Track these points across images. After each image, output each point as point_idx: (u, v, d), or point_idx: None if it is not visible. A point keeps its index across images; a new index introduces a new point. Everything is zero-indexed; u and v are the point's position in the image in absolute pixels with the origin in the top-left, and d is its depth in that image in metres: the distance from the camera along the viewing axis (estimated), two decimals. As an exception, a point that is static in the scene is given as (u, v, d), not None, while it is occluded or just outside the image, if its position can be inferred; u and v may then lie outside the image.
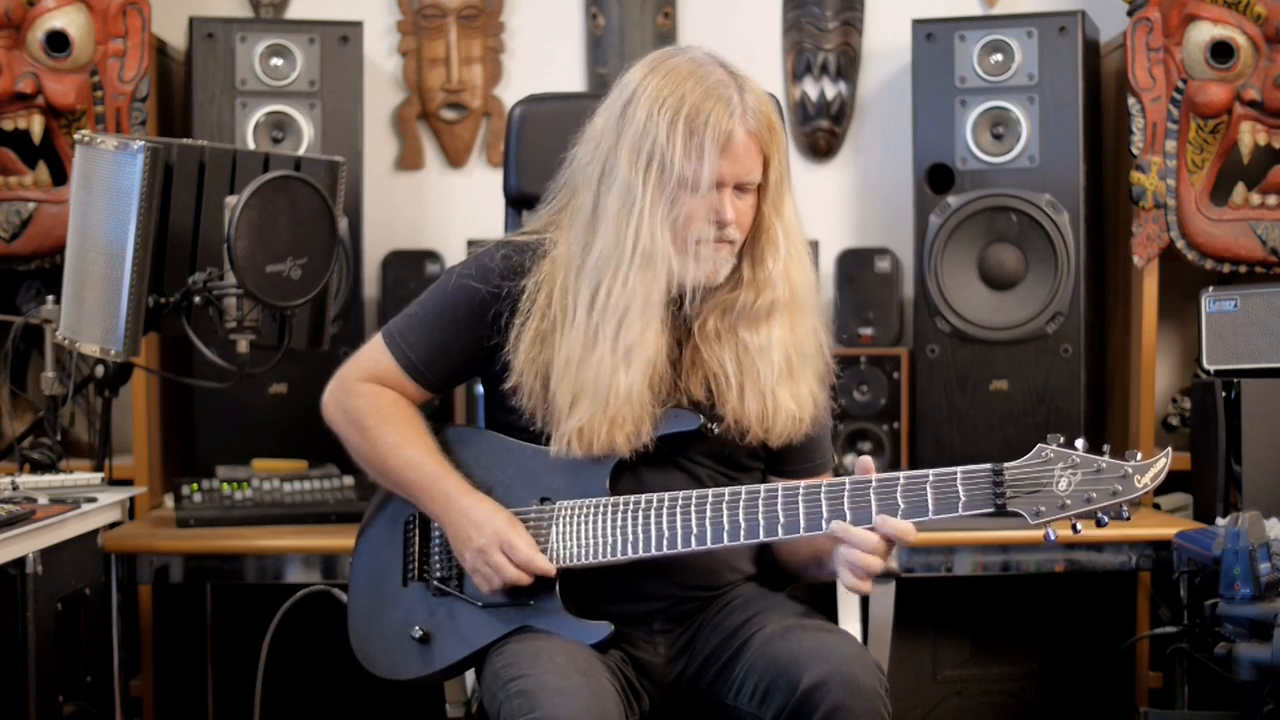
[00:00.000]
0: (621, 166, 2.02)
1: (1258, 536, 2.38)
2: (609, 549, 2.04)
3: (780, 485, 2.02)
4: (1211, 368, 3.07)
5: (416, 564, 2.17)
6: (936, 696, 3.37)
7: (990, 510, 1.93)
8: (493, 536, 2.04)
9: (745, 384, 2.07)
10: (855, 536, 1.93)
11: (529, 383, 2.08)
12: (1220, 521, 2.78)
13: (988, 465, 1.93)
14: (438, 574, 2.14)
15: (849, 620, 2.33)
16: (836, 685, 1.88)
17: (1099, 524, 1.91)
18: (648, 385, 2.04)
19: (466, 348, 2.14)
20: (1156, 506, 3.29)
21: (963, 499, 1.93)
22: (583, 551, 2.05)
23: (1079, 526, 1.92)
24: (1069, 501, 1.90)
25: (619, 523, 2.04)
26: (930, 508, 1.93)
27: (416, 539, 2.18)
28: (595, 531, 2.05)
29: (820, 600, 2.34)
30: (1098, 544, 2.97)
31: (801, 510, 1.98)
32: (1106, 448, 1.93)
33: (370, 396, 2.18)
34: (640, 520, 2.03)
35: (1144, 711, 2.86)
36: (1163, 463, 1.90)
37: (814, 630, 2.02)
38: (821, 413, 2.14)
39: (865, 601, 2.32)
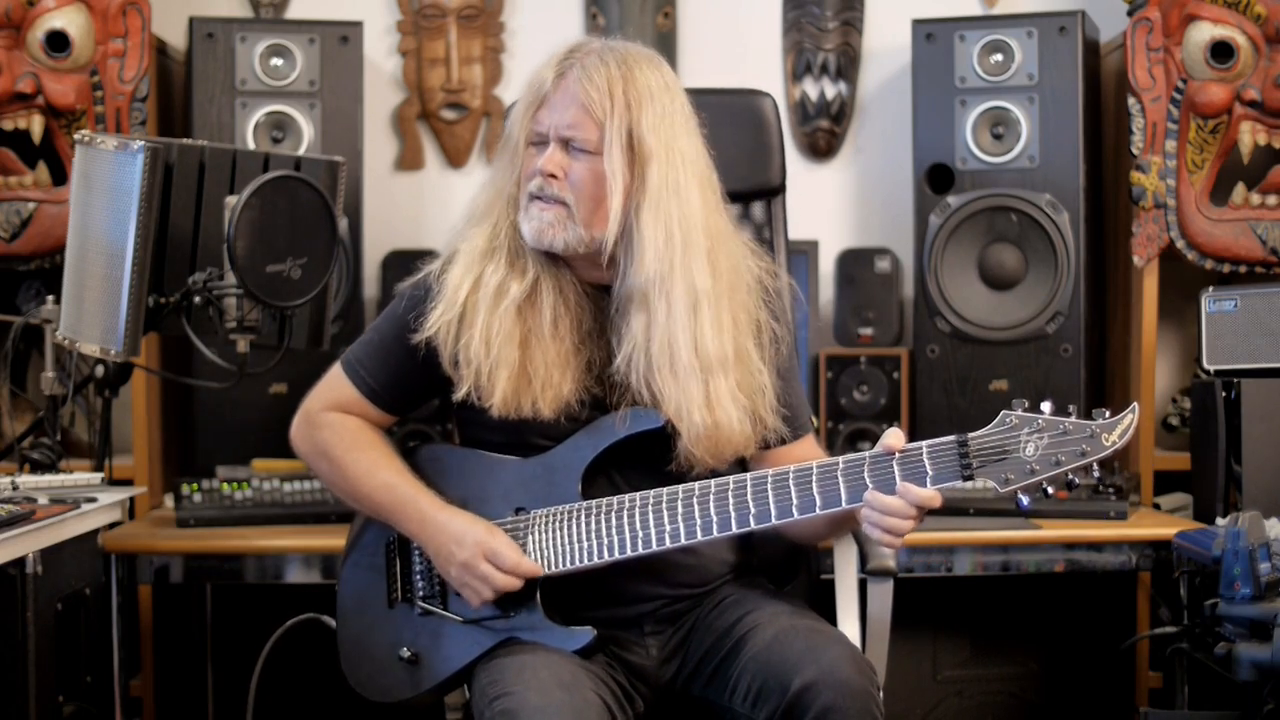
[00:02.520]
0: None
1: (1258, 536, 2.38)
2: (587, 553, 2.04)
3: (749, 476, 2.02)
4: (1211, 368, 3.07)
5: (400, 586, 2.17)
6: (936, 696, 3.37)
7: (959, 481, 1.93)
8: (475, 547, 2.05)
9: (634, 375, 2.06)
10: (883, 504, 1.93)
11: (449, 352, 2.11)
12: (1220, 521, 2.78)
13: (952, 437, 1.93)
14: (421, 593, 2.15)
15: (848, 620, 2.33)
16: (827, 686, 1.89)
17: (1070, 486, 1.91)
18: (573, 358, 2.06)
19: (422, 368, 2.15)
20: (1156, 506, 3.29)
21: (930, 473, 1.93)
22: (561, 557, 2.05)
23: (1049, 490, 1.91)
24: (1037, 466, 1.90)
25: (594, 526, 2.04)
26: (898, 486, 1.94)
27: (398, 561, 2.19)
28: (572, 537, 2.05)
29: (820, 599, 2.34)
30: (1098, 544, 2.97)
31: (771, 499, 1.99)
32: (1072, 408, 1.92)
33: (335, 426, 2.20)
34: (615, 522, 2.04)
35: (1144, 711, 2.86)
36: (1130, 418, 1.89)
37: (805, 631, 2.02)
38: (776, 405, 2.12)
39: (864, 601, 2.32)
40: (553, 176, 2.02)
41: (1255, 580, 2.34)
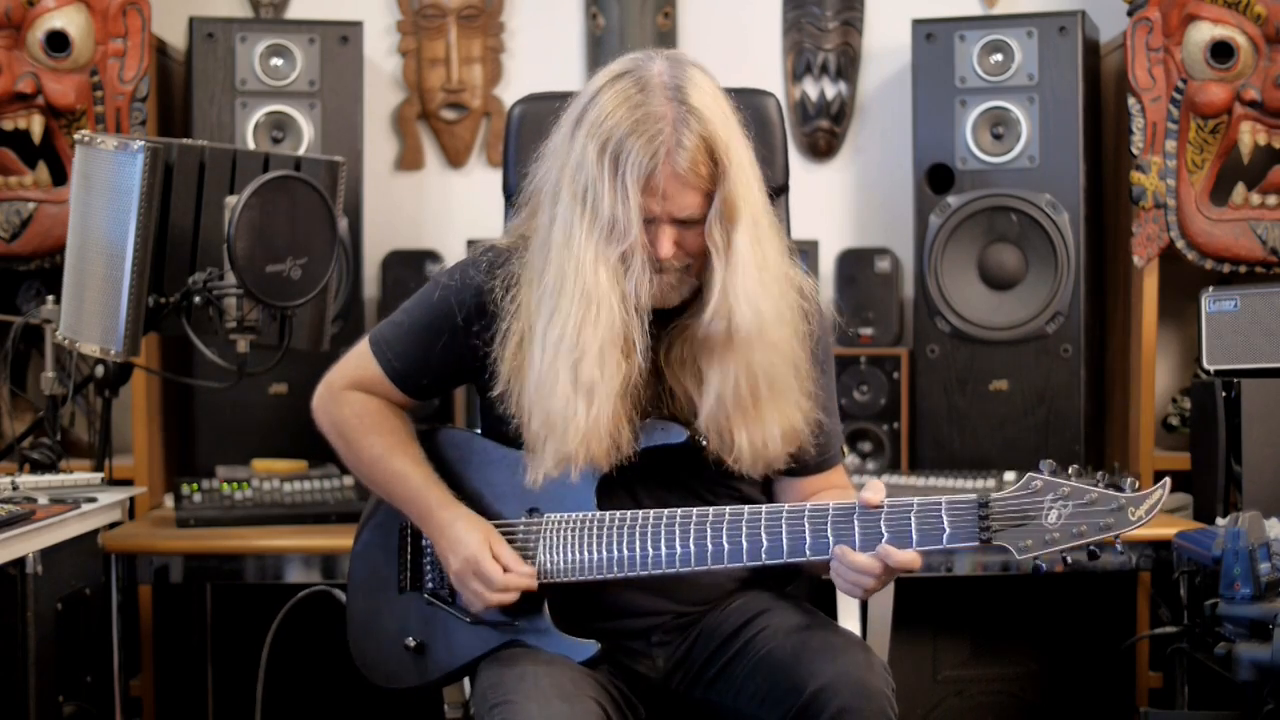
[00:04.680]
0: (564, 196, 2.00)
1: (1258, 536, 2.38)
2: (595, 567, 2.02)
3: (764, 508, 1.99)
4: (1211, 368, 3.07)
5: (410, 574, 2.18)
6: (936, 696, 3.37)
7: (975, 545, 1.87)
8: (465, 563, 2.04)
9: (707, 417, 2.03)
10: (853, 562, 1.91)
11: (515, 389, 2.06)
12: (1220, 521, 2.78)
13: (974, 497, 1.88)
14: (429, 586, 2.15)
15: (849, 620, 2.33)
16: (843, 688, 1.87)
17: (1091, 557, 1.84)
18: (625, 398, 2.01)
19: (451, 357, 2.13)
20: (1156, 506, 3.29)
21: (947, 531, 1.88)
22: (570, 569, 2.04)
23: (1069, 560, 1.86)
24: (1057, 535, 1.84)
25: (605, 540, 2.02)
26: (914, 539, 1.90)
27: (410, 548, 2.19)
28: (582, 548, 2.03)
29: (820, 599, 2.34)
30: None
31: (785, 535, 1.96)
32: (1101, 475, 1.87)
33: (356, 405, 2.18)
34: (626, 538, 2.02)
35: (1144, 711, 2.86)
36: (1159, 494, 1.81)
37: (818, 630, 2.01)
38: (807, 433, 2.08)
39: (864, 602, 2.32)
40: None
41: (1255, 580, 2.34)
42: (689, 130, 1.94)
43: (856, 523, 1.93)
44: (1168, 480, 1.84)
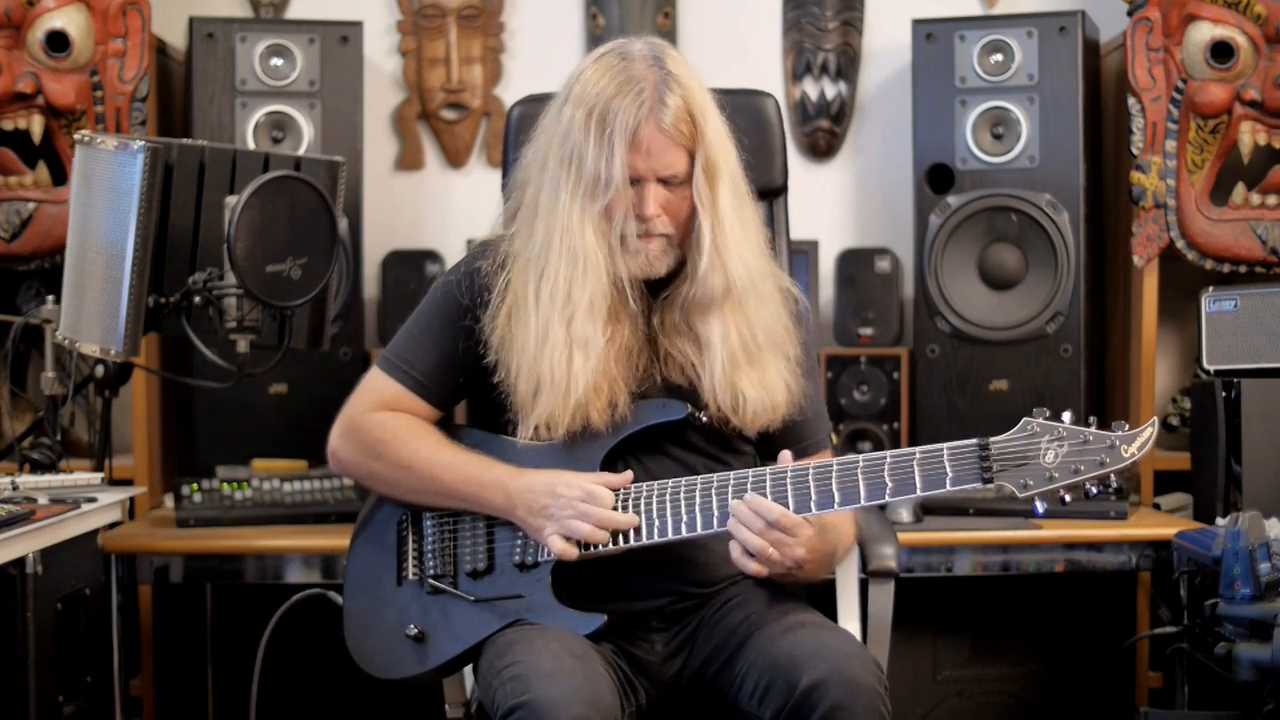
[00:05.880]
0: (551, 164, 2.10)
1: (1258, 536, 2.39)
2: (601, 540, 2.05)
3: (769, 469, 2.02)
4: (1211, 368, 3.07)
5: (410, 563, 2.18)
6: (936, 696, 3.37)
7: (978, 485, 1.94)
8: (568, 486, 2.05)
9: (712, 375, 2.09)
10: (735, 510, 1.98)
11: (506, 358, 2.11)
12: (1220, 521, 2.78)
13: (974, 440, 1.95)
14: (431, 571, 2.15)
15: (848, 620, 2.33)
16: (835, 685, 1.89)
17: (1087, 495, 1.92)
18: (622, 363, 2.08)
19: (464, 349, 2.15)
20: (1156, 506, 3.29)
21: (950, 474, 1.95)
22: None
23: (1067, 498, 1.93)
24: (1056, 474, 1.91)
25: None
26: (918, 485, 1.95)
27: (410, 538, 2.19)
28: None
29: (820, 600, 2.34)
30: (1098, 544, 2.97)
31: (790, 493, 1.99)
32: (1093, 419, 1.94)
33: (388, 420, 2.18)
34: (631, 510, 2.04)
35: (1144, 711, 2.86)
36: (1149, 432, 1.90)
37: (813, 629, 2.03)
38: (802, 394, 2.16)
39: (865, 601, 2.32)
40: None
41: (1255, 580, 2.34)
42: (670, 91, 2.05)
43: (860, 476, 1.97)
44: (1155, 419, 1.94)
